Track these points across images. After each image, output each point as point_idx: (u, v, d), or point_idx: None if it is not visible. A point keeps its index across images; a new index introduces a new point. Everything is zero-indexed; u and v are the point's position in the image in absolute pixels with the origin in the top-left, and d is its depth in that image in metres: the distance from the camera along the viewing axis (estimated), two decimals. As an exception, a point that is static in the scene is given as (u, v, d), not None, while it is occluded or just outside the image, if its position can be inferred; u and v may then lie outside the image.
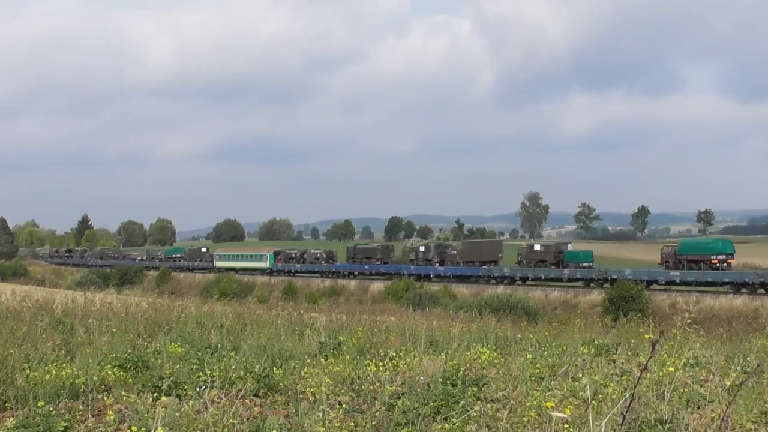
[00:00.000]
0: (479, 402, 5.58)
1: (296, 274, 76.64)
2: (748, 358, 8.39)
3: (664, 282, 50.08)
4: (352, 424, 5.21)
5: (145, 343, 8.89)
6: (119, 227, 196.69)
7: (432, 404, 5.79)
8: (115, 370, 6.98)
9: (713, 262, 50.31)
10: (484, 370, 7.59)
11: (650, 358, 3.40)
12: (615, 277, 51.18)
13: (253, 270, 79.52)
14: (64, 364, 6.94)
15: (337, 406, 5.67)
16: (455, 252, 70.81)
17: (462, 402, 5.73)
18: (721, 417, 3.69)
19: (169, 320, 11.17)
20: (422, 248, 76.40)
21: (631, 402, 3.65)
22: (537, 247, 64.84)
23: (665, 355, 7.49)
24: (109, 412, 5.25)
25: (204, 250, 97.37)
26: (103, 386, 6.57)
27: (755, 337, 11.75)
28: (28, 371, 6.56)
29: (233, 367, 7.07)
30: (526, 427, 4.95)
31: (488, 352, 8.45)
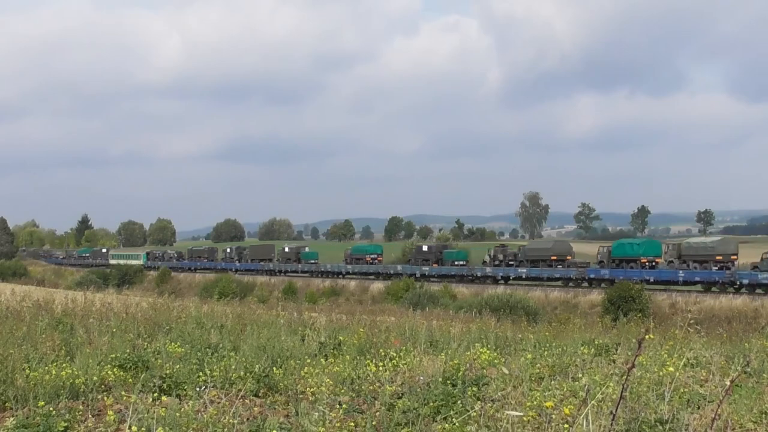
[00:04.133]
0: (479, 402, 5.58)
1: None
2: (748, 358, 8.38)
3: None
4: (352, 424, 5.21)
5: (145, 343, 8.89)
6: (119, 227, 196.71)
7: (432, 404, 5.79)
8: (115, 370, 6.98)
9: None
10: (484, 370, 7.59)
11: (636, 356, 3.41)
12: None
13: (130, 266, 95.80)
14: (64, 364, 6.93)
15: (337, 406, 5.68)
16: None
17: (462, 402, 5.74)
18: (714, 415, 3.69)
19: (169, 320, 11.17)
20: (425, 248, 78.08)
21: (620, 400, 3.65)
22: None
23: (665, 355, 7.49)
24: (109, 412, 5.25)
25: (104, 250, 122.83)
26: (103, 386, 6.57)
27: (755, 337, 11.76)
28: (28, 371, 6.55)
29: (233, 367, 7.07)
30: (526, 427, 4.96)
31: (488, 352, 8.45)
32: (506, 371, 4.46)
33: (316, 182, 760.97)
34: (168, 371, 6.81)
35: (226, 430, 5.04)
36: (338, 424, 5.06)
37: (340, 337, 9.78)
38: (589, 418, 4.26)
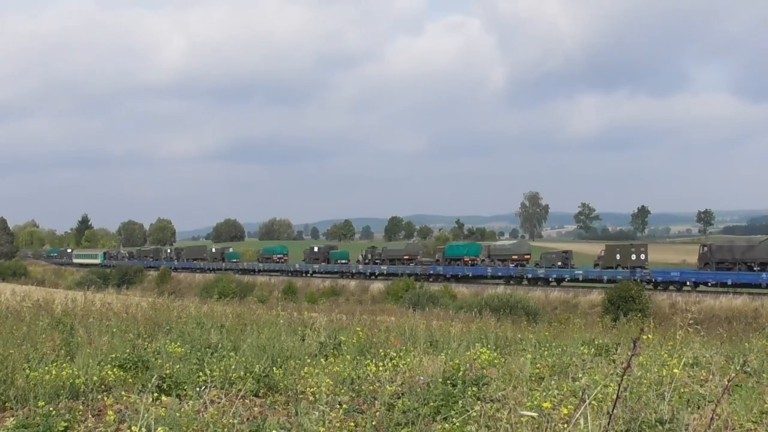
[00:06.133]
0: (479, 402, 5.58)
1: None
2: (747, 358, 8.38)
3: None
4: (352, 424, 5.21)
5: (145, 343, 8.89)
6: (119, 227, 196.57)
7: (432, 404, 5.78)
8: (115, 370, 6.97)
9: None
10: (484, 370, 7.59)
11: (632, 355, 3.40)
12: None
13: (89, 264, 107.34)
14: (64, 364, 6.93)
15: (337, 406, 5.68)
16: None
17: (462, 402, 5.73)
18: (712, 414, 3.69)
19: (169, 320, 11.17)
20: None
21: (617, 400, 3.65)
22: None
23: (665, 355, 7.49)
24: (109, 412, 5.25)
25: (69, 250, 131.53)
26: (103, 386, 6.57)
27: (755, 337, 11.75)
28: (28, 371, 6.55)
29: (233, 367, 7.07)
30: (525, 427, 4.95)
31: (488, 352, 8.45)
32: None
33: (316, 182, 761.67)
34: (168, 371, 6.81)
35: (226, 430, 5.04)
36: (338, 424, 5.06)
37: (341, 337, 9.78)
38: (588, 417, 4.26)
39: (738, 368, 7.31)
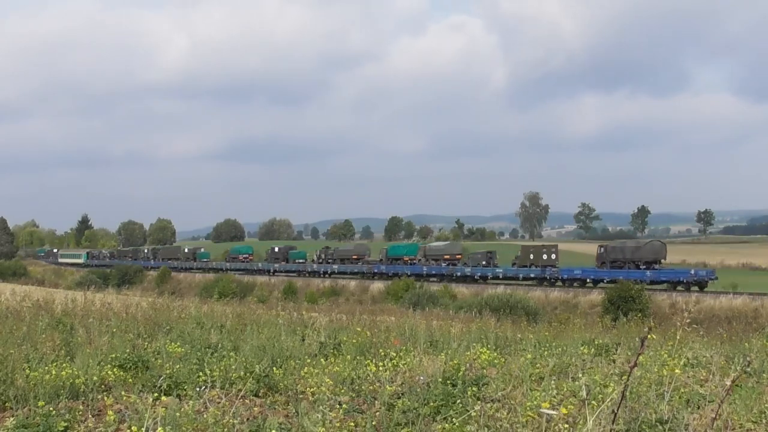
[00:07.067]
0: (479, 402, 5.58)
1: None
2: (749, 359, 8.38)
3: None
4: (352, 424, 5.21)
5: (145, 343, 8.89)
6: (119, 227, 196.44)
7: (432, 404, 5.78)
8: (115, 370, 6.97)
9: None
10: (484, 370, 7.59)
11: (639, 354, 3.40)
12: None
13: (74, 264, 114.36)
14: (64, 364, 6.93)
15: (337, 406, 5.67)
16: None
17: (461, 402, 5.73)
18: (715, 415, 3.69)
19: (169, 320, 11.17)
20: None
21: (622, 399, 3.64)
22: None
23: (665, 355, 7.49)
24: (109, 412, 5.25)
25: (55, 250, 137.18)
26: (103, 386, 6.57)
27: (755, 337, 11.75)
28: (28, 371, 6.55)
29: (233, 367, 7.07)
30: (525, 427, 4.95)
31: (488, 352, 8.45)
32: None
33: (316, 182, 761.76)
34: (168, 371, 6.81)
35: (226, 430, 5.04)
36: (338, 424, 5.06)
37: (341, 337, 9.77)
38: (588, 417, 4.25)
39: (740, 368, 7.30)
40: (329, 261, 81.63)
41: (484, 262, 66.80)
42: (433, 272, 68.32)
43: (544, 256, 61.71)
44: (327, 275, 77.60)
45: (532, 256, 62.83)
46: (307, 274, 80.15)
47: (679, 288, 51.21)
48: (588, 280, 57.85)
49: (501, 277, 63.15)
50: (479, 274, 64.88)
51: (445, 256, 71.86)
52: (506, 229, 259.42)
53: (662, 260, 57.02)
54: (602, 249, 60.61)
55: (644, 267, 55.36)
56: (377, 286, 64.70)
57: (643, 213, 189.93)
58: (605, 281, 54.54)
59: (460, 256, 71.61)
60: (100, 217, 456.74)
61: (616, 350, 9.70)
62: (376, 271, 73.73)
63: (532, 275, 60.20)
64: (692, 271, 54.21)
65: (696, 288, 50.79)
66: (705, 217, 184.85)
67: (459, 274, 65.32)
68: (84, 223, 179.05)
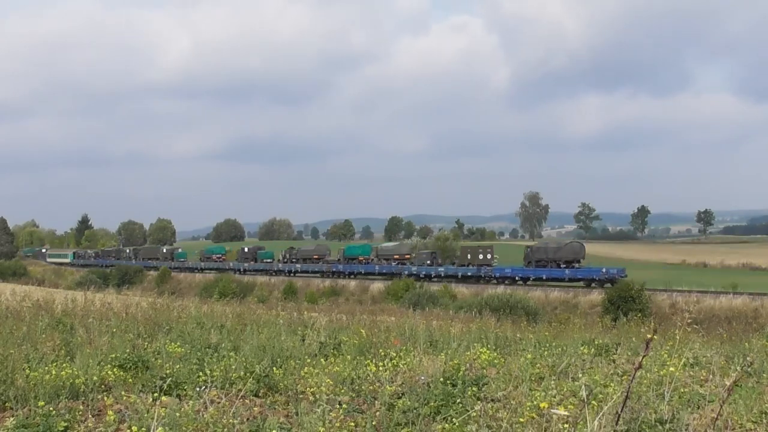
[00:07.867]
0: (479, 402, 5.58)
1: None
2: (750, 359, 8.38)
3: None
4: (352, 424, 5.21)
5: (145, 343, 8.89)
6: (119, 227, 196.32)
7: (432, 404, 5.78)
8: (115, 370, 6.97)
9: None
10: (484, 370, 7.59)
11: (644, 356, 3.39)
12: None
13: (61, 263, 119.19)
14: (64, 364, 6.93)
15: (337, 406, 5.68)
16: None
17: (462, 402, 5.73)
18: (715, 415, 3.69)
19: (169, 320, 11.17)
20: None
21: (626, 400, 3.64)
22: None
23: (665, 355, 7.49)
24: (109, 412, 5.25)
25: (44, 250, 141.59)
26: (103, 386, 6.57)
27: (755, 337, 11.75)
28: (28, 371, 6.55)
29: (233, 367, 7.07)
30: (526, 427, 4.95)
31: (488, 352, 8.45)
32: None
33: (316, 182, 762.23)
34: (168, 371, 6.81)
35: (226, 430, 5.04)
36: (338, 424, 5.06)
37: (343, 337, 9.77)
38: (588, 418, 4.25)
39: (741, 368, 7.31)
40: (293, 261, 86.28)
41: (428, 262, 71.92)
42: (384, 271, 73.60)
43: (480, 256, 66.51)
44: (291, 274, 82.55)
45: (469, 256, 67.89)
46: (273, 273, 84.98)
47: (593, 285, 55.51)
48: (517, 278, 62.43)
49: (442, 275, 67.95)
50: (423, 273, 69.36)
51: (395, 256, 77.42)
52: (506, 229, 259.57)
53: (581, 260, 61.00)
54: (529, 249, 65.52)
55: (564, 266, 59.69)
56: (377, 286, 64.70)
57: (643, 213, 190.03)
58: (531, 279, 60.88)
59: (408, 256, 76.97)
60: (101, 217, 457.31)
61: (617, 350, 9.70)
62: (334, 269, 78.82)
63: (469, 273, 65.31)
64: (604, 270, 58.41)
65: (609, 285, 52.88)
66: (705, 217, 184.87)
67: (406, 273, 69.43)
68: (84, 223, 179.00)
